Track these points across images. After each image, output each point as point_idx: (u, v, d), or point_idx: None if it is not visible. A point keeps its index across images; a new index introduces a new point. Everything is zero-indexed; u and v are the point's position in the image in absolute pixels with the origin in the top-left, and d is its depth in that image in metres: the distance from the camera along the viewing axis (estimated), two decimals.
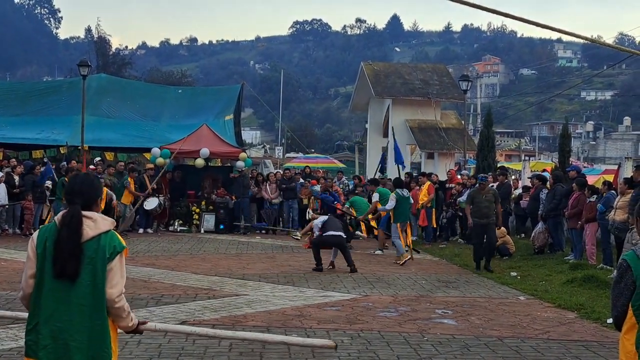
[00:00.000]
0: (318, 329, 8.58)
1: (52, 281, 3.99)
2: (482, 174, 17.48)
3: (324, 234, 13.99)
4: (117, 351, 4.19)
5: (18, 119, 27.44)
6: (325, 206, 19.95)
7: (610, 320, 9.24)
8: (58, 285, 3.98)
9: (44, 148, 24.97)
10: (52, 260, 3.98)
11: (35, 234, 4.14)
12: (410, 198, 16.77)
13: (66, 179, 17.48)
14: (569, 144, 25.06)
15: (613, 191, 14.62)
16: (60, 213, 4.11)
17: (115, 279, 4.26)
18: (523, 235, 18.74)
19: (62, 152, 24.56)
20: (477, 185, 15.20)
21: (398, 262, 15.11)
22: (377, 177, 23.28)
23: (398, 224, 15.74)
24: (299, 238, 18.67)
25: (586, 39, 10.24)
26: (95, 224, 4.12)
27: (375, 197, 17.26)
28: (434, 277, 13.37)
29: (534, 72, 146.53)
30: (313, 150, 66.27)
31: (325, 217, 14.84)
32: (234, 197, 21.73)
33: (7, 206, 17.96)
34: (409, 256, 15.41)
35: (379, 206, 16.65)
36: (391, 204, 15.74)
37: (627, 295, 4.15)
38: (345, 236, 14.45)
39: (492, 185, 18.56)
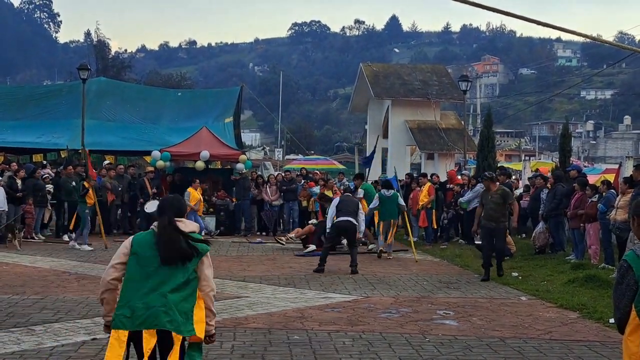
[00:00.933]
0: (319, 330, 8.58)
1: (153, 268, 4.85)
2: (487, 172, 15.53)
3: (337, 219, 14.29)
4: (204, 320, 5.17)
5: (18, 123, 27.46)
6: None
7: (612, 320, 9.24)
8: (160, 270, 4.83)
9: (44, 152, 24.98)
10: (157, 252, 4.86)
11: (131, 238, 5.11)
12: (400, 199, 17.00)
13: (85, 183, 17.46)
14: (569, 143, 25.04)
15: (613, 190, 14.62)
16: (157, 222, 5.04)
17: (206, 270, 5.16)
18: (524, 235, 18.73)
19: (62, 155, 24.56)
20: (484, 184, 13.87)
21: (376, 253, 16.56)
22: (379, 177, 23.29)
23: (381, 223, 16.55)
24: (284, 243, 18.50)
25: (586, 36, 10.25)
26: (185, 225, 5.02)
27: (360, 193, 17.72)
28: (435, 278, 13.37)
29: (533, 71, 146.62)
30: (313, 151, 66.26)
31: (337, 199, 15.10)
32: (234, 200, 21.74)
33: (6, 211, 17.94)
34: (388, 254, 16.50)
35: (364, 203, 16.94)
36: (375, 202, 16.68)
37: (629, 296, 4.12)
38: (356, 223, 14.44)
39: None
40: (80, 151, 24.36)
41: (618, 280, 4.20)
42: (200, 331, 5.06)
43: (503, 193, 13.20)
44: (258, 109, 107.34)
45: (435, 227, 19.99)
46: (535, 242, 16.35)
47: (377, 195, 16.88)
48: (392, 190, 16.80)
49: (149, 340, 4.77)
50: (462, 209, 19.40)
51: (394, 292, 11.58)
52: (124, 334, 4.78)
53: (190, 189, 19.63)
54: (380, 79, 30.44)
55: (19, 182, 18.66)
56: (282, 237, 18.94)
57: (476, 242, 15.29)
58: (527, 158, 59.25)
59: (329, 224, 14.75)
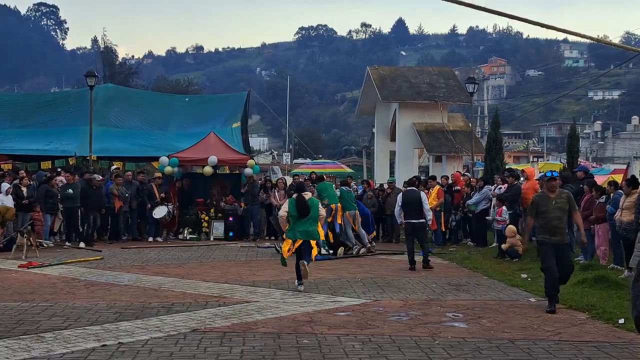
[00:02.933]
0: (329, 334, 8.58)
1: (298, 217, 12.22)
2: (551, 170, 14.29)
3: (407, 221, 15.22)
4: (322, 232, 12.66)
5: (26, 130, 27.59)
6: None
7: (622, 321, 9.23)
8: (301, 219, 12.22)
9: (52, 159, 25.07)
10: (296, 210, 12.20)
11: (288, 201, 12.68)
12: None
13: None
14: (577, 144, 25.02)
15: (620, 191, 14.59)
16: (294, 195, 12.52)
17: (321, 211, 12.57)
18: (533, 239, 18.62)
19: (70, 163, 24.65)
20: (545, 185, 11.27)
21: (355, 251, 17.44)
22: (387, 180, 23.26)
23: (347, 213, 17.61)
24: (279, 250, 18.14)
25: (592, 38, 10.24)
26: (307, 195, 12.40)
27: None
28: (444, 280, 13.35)
29: (540, 73, 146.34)
30: (321, 155, 66.29)
31: (401, 195, 15.66)
32: (242, 205, 21.77)
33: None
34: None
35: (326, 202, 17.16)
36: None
37: None
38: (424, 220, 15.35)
39: (500, 187, 18.58)
40: (87, 158, 24.47)
41: (636, 276, 4.16)
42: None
43: (569, 198, 10.77)
44: (265, 114, 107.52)
45: (444, 229, 19.99)
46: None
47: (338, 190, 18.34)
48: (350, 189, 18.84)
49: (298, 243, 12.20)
50: (470, 211, 19.39)
51: (403, 295, 11.57)
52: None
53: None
54: (387, 82, 30.42)
55: (24, 189, 18.72)
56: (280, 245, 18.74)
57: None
58: (535, 159, 59.18)
59: (398, 220, 16.08)
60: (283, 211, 12.52)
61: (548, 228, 10.43)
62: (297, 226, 12.30)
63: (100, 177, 21.52)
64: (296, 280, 12.16)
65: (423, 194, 15.80)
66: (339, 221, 17.54)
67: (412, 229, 15.26)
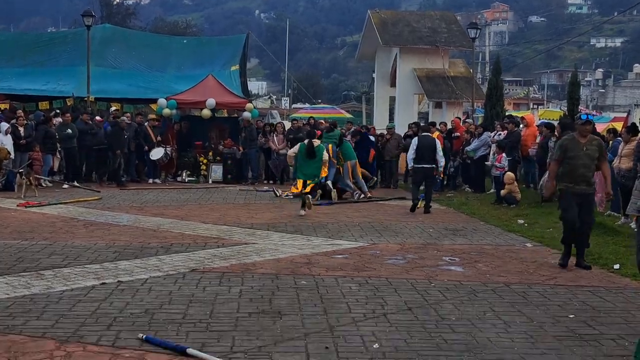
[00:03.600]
0: (326, 276, 8.66)
1: (305, 159, 14.89)
2: (585, 112, 13.16)
3: (416, 165, 15.45)
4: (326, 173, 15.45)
5: (23, 70, 27.38)
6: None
7: (617, 266, 9.33)
8: (308, 161, 14.86)
9: (50, 99, 24.94)
10: (306, 154, 14.81)
11: (299, 145, 15.39)
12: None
13: None
14: (578, 91, 24.83)
15: (619, 138, 14.56)
16: (305, 141, 15.22)
17: (325, 156, 15.09)
18: (532, 186, 18.69)
19: (68, 103, 24.55)
20: (577, 128, 9.89)
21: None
22: (387, 126, 23.21)
23: (348, 163, 17.82)
24: (277, 194, 18.22)
25: None
26: (316, 142, 15.08)
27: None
28: (441, 225, 13.43)
29: (543, 19, 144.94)
30: (320, 100, 66.00)
31: (416, 140, 15.71)
32: (241, 148, 21.73)
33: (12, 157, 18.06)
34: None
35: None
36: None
37: None
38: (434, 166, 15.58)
39: (500, 134, 18.54)
40: (86, 99, 24.36)
41: (638, 238, 4.19)
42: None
43: (600, 145, 9.76)
44: (264, 57, 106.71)
45: (442, 176, 20.00)
46: (543, 191, 16.30)
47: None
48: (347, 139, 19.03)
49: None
50: (469, 158, 19.40)
51: (400, 239, 11.64)
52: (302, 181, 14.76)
53: None
54: (388, 27, 30.08)
55: (21, 129, 18.69)
56: (280, 190, 18.72)
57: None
58: (535, 106, 58.96)
59: (409, 164, 16.08)
60: (292, 151, 15.72)
61: (574, 175, 9.54)
62: (304, 168, 15.06)
63: (99, 118, 21.44)
64: (300, 209, 14.39)
65: (437, 141, 16.05)
66: (354, 178, 17.87)
67: (423, 174, 15.52)
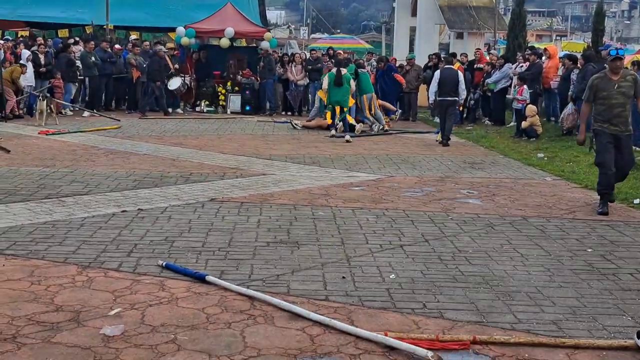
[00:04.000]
0: (343, 207, 8.70)
1: (333, 87, 16.05)
2: (615, 47, 12.61)
3: (439, 98, 15.51)
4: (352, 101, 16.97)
5: None
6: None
7: (637, 201, 9.31)
8: (336, 88, 16.09)
9: (69, 27, 24.82)
10: (334, 81, 15.98)
11: (328, 74, 16.58)
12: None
13: None
14: (603, 23, 24.33)
15: None
16: (334, 69, 16.46)
17: (352, 85, 16.53)
18: (553, 119, 18.50)
19: (87, 31, 24.42)
20: (608, 65, 9.20)
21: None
22: (406, 57, 22.89)
23: (364, 96, 17.40)
24: (295, 125, 18.11)
25: None
26: (344, 71, 16.36)
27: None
28: (459, 158, 13.39)
29: None
30: (339, 30, 65.19)
31: (438, 73, 15.67)
32: (258, 79, 21.57)
33: (32, 86, 18.11)
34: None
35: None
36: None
37: None
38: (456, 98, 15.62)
39: (522, 66, 18.28)
40: (105, 27, 24.21)
41: None
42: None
43: (635, 81, 8.89)
44: None
45: (462, 108, 19.82)
46: (563, 124, 16.19)
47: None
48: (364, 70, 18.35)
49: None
50: (489, 90, 19.20)
51: (418, 172, 11.64)
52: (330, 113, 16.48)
53: None
54: None
55: (41, 57, 18.68)
56: (296, 122, 18.64)
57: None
58: (558, 38, 57.98)
59: (431, 98, 16.24)
60: (324, 85, 16.60)
61: (608, 116, 8.85)
62: (332, 96, 16.36)
63: (119, 47, 21.33)
64: (346, 134, 16.02)
65: (460, 73, 15.99)
66: (371, 111, 17.62)
67: (446, 106, 15.47)
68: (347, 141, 15.35)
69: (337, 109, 16.44)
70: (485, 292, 5.72)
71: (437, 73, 15.81)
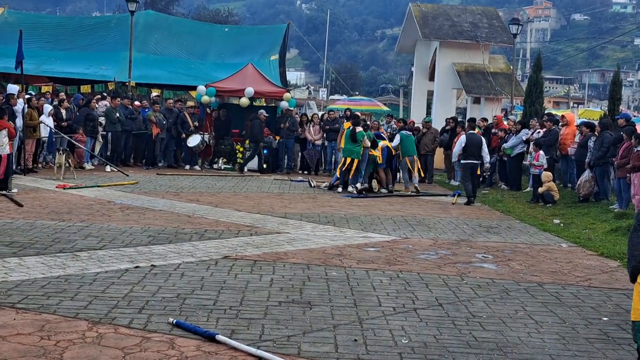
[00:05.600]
0: (357, 268, 8.65)
1: (349, 140, 16.82)
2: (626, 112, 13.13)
3: (463, 161, 16.48)
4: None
5: (67, 53, 27.76)
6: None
7: None
8: (351, 142, 16.78)
9: (91, 83, 25.25)
10: (350, 137, 16.78)
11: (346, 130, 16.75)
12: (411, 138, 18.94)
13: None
14: (620, 91, 24.38)
15: None
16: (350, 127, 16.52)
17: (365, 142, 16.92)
18: (569, 185, 18.44)
19: (110, 87, 24.83)
20: None
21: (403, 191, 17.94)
22: (423, 120, 23.03)
23: (406, 158, 18.28)
24: (313, 185, 18.25)
25: None
26: (359, 129, 16.42)
27: (396, 139, 19.02)
28: (475, 222, 13.34)
29: (586, 17, 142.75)
30: (357, 92, 65.85)
31: (464, 138, 16.59)
32: (277, 137, 21.75)
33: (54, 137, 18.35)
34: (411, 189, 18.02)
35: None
36: (396, 140, 18.74)
37: None
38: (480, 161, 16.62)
39: (539, 132, 18.36)
40: (127, 84, 24.61)
41: (635, 227, 4.16)
42: None
43: None
44: (304, 48, 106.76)
45: (479, 172, 19.83)
46: (580, 190, 16.14)
47: (398, 135, 19.06)
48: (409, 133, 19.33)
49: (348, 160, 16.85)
50: (505, 155, 19.22)
51: (433, 235, 11.59)
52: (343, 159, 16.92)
53: None
54: (428, 20, 29.91)
55: (63, 111, 18.98)
56: (314, 181, 18.74)
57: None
58: (575, 105, 58.20)
59: (454, 158, 17.63)
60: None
61: None
62: (346, 147, 17.24)
63: (138, 103, 21.64)
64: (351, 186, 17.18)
65: (483, 138, 17.08)
66: (417, 173, 18.53)
67: (471, 169, 16.44)
68: (311, 185, 17.70)
69: (348, 160, 17.19)
70: (498, 358, 5.63)
71: (463, 137, 16.68)
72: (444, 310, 6.98)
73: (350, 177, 17.38)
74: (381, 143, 18.18)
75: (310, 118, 22.96)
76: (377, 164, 17.82)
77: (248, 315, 6.44)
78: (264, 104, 24.66)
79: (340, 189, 17.45)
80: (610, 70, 74.65)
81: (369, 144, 17.36)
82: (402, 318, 6.64)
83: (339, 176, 17.65)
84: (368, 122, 21.80)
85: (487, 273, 8.82)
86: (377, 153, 17.70)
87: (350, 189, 17.22)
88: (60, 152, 17.11)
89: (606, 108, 25.85)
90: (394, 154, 18.62)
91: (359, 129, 17.37)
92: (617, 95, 23.72)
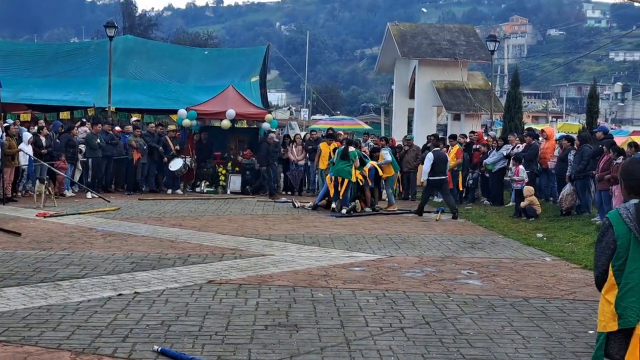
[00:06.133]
0: (343, 288, 8.62)
1: (340, 160, 16.67)
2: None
3: (430, 178, 16.67)
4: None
5: (45, 80, 27.66)
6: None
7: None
8: (341, 161, 16.74)
9: (71, 109, 25.15)
10: (341, 156, 16.73)
11: (338, 150, 16.43)
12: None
13: None
14: (597, 105, 24.63)
15: None
16: (342, 147, 15.84)
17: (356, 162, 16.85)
18: (551, 199, 18.54)
19: (89, 113, 24.72)
20: None
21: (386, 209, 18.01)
22: (405, 138, 23.05)
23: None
24: (297, 205, 18.10)
25: None
26: (351, 148, 16.36)
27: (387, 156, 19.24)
28: (459, 238, 13.34)
29: (562, 32, 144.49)
30: (339, 112, 66.04)
31: (432, 155, 16.84)
32: (259, 164, 21.64)
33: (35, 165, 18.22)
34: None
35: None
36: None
37: (607, 254, 4.16)
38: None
39: (519, 147, 18.46)
40: (107, 109, 24.53)
41: (599, 238, 4.23)
42: None
43: None
44: (284, 69, 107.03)
45: (461, 188, 19.94)
46: (562, 204, 16.22)
47: (388, 151, 19.41)
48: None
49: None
50: (487, 171, 19.30)
51: (418, 252, 11.58)
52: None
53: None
54: (407, 39, 30.10)
55: (43, 139, 18.86)
56: (298, 201, 18.68)
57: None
58: (553, 119, 58.67)
59: (424, 177, 17.19)
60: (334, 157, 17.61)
61: None
62: (337, 165, 17.14)
63: (119, 129, 21.57)
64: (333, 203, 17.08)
65: (447, 155, 17.81)
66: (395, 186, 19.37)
67: (439, 184, 16.99)
68: (295, 206, 17.82)
69: (339, 179, 17.18)
70: None
71: (431, 155, 16.86)
72: (431, 329, 6.96)
73: (341, 197, 17.21)
74: (369, 164, 18.10)
75: (292, 139, 22.96)
76: (362, 184, 17.77)
77: (234, 340, 6.38)
78: (246, 126, 24.68)
79: (312, 206, 17.75)
80: (586, 84, 75.41)
81: (358, 164, 17.40)
82: (389, 338, 6.61)
83: (332, 196, 17.47)
84: (359, 141, 21.87)
85: (473, 289, 8.81)
86: (361, 175, 17.57)
87: (343, 211, 16.96)
88: (41, 182, 16.92)
89: (584, 121, 26.05)
90: (381, 174, 18.41)
91: (352, 148, 17.48)
92: (595, 108, 23.94)
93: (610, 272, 4.14)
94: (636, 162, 4.39)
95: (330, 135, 21.25)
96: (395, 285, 8.93)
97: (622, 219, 4.14)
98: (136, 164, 20.58)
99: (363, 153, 19.03)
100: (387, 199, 18.60)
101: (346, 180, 17.10)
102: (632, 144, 15.23)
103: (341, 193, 17.18)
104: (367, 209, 17.73)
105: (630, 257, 4.10)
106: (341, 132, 24.13)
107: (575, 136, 18.39)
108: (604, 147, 15.10)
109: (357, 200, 17.54)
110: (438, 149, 17.21)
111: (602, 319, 4.21)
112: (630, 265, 4.10)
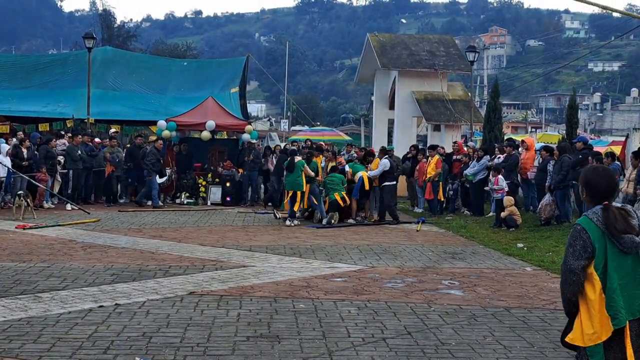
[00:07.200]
0: (325, 299, 8.61)
1: (288, 173, 16.77)
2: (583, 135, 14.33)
3: (389, 183, 17.50)
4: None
5: (24, 92, 27.46)
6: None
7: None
8: (290, 174, 16.70)
9: (50, 121, 24.99)
10: (287, 167, 16.68)
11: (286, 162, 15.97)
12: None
13: None
14: (576, 115, 24.87)
15: (618, 162, 14.55)
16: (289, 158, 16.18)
17: (306, 171, 16.60)
18: (531, 209, 18.64)
19: (68, 125, 24.58)
20: None
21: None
22: (387, 148, 23.12)
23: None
24: (278, 217, 18.04)
25: (596, 5, 10.16)
26: (298, 158, 16.44)
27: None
28: (440, 248, 13.39)
29: (541, 43, 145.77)
30: (319, 123, 66.14)
31: (387, 162, 17.53)
32: (241, 170, 21.66)
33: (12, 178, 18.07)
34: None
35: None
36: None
37: (584, 257, 4.24)
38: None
39: (499, 157, 18.57)
40: (86, 120, 24.40)
41: (570, 242, 4.28)
42: None
43: None
44: (264, 80, 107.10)
45: (442, 199, 19.98)
46: (542, 214, 16.31)
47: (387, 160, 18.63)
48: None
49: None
50: (468, 181, 19.37)
51: (399, 262, 11.60)
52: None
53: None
54: (387, 50, 30.19)
55: (24, 151, 18.73)
56: (279, 213, 18.61)
57: None
58: (533, 130, 59.11)
59: (374, 180, 17.74)
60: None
61: None
62: (287, 179, 17.10)
63: (98, 140, 21.47)
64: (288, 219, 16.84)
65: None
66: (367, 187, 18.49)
67: (395, 190, 18.12)
68: (276, 217, 17.78)
69: (290, 193, 17.10)
70: None
71: (387, 162, 17.80)
72: (413, 339, 6.96)
73: (296, 208, 17.20)
74: (360, 173, 17.93)
75: (272, 149, 22.95)
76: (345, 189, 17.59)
77: (216, 352, 6.36)
78: (226, 137, 24.65)
79: (277, 216, 17.85)
80: (566, 95, 76.01)
81: (312, 173, 17.06)
82: (371, 348, 6.61)
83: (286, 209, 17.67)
84: (327, 148, 21.84)
85: (454, 299, 8.83)
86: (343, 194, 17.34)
87: (324, 221, 16.85)
88: (20, 194, 16.77)
89: (564, 132, 26.28)
90: (367, 188, 17.89)
91: (298, 158, 17.32)
92: (574, 118, 24.17)
93: (597, 279, 4.20)
94: (594, 170, 4.51)
95: (319, 148, 20.98)
96: (376, 295, 8.93)
97: (594, 223, 4.24)
98: (109, 176, 20.51)
99: (341, 165, 19.04)
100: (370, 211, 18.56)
101: (298, 193, 16.95)
102: (609, 154, 15.39)
103: (296, 207, 17.14)
104: (351, 220, 17.70)
105: (609, 257, 4.21)
106: (322, 143, 24.09)
107: (554, 146, 18.50)
108: (590, 157, 15.21)
109: (335, 213, 17.30)
110: (389, 157, 18.31)
111: (590, 331, 4.24)
112: (610, 265, 4.20)
